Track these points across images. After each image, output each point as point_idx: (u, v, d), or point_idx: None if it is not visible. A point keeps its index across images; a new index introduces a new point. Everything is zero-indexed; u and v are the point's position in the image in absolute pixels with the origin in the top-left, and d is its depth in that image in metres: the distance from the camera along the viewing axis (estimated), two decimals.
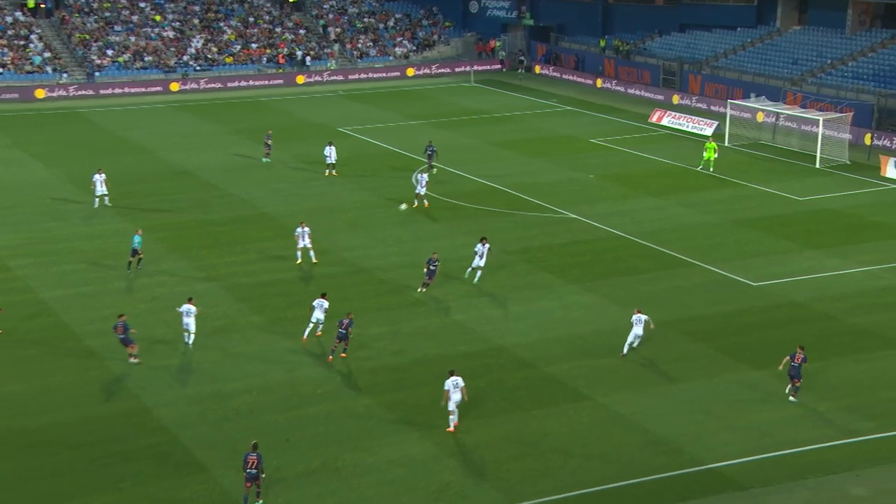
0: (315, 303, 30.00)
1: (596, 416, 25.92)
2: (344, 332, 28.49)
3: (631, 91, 70.77)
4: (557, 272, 35.47)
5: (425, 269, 32.98)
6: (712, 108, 63.42)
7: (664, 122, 60.89)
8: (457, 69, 79.79)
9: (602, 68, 75.39)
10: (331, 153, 47.60)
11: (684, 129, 59.18)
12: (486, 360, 29.03)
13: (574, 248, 38.17)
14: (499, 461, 24.03)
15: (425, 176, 43.02)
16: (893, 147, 52.82)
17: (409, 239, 39.29)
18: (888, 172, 48.07)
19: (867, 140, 53.12)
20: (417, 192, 42.36)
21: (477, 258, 33.99)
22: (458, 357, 29.02)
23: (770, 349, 29.47)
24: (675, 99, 66.50)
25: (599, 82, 73.46)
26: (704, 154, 50.16)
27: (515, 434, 25.11)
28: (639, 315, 29.13)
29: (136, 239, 34.70)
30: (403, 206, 37.73)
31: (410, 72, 78.53)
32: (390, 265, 36.28)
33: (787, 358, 26.81)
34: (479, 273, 33.95)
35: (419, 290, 33.15)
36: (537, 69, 79.67)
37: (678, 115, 60.83)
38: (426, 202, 42.78)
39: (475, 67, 78.90)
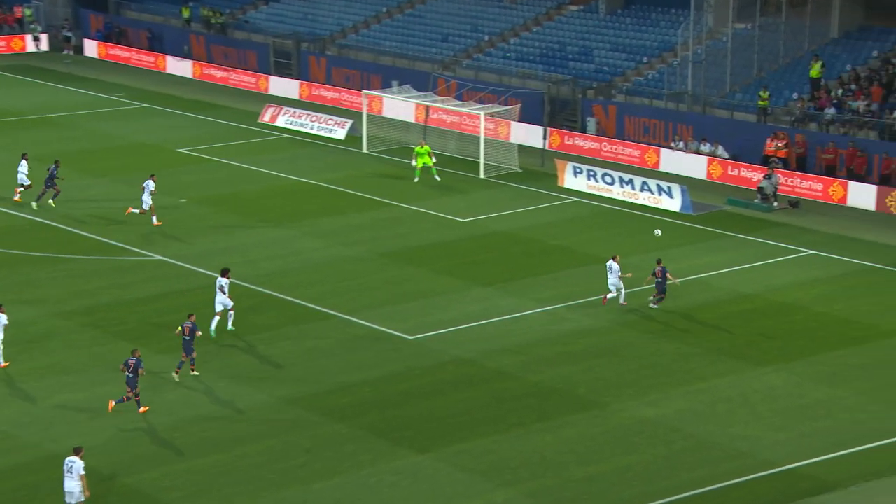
0: None
1: None
2: (132, 375, 30.35)
3: (232, 80, 71.28)
4: (137, 339, 34.84)
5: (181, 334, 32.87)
6: (344, 101, 65.48)
7: (280, 122, 61.91)
8: None
9: (189, 48, 75.37)
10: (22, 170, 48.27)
11: (308, 130, 60.50)
12: (35, 477, 27.82)
13: (163, 305, 37.72)
14: None
15: (151, 183, 45.41)
16: (571, 147, 57.50)
17: None
18: (567, 182, 52.16)
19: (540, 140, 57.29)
20: (145, 206, 45.32)
21: (220, 298, 35.18)
22: None
23: (435, 423, 30.63)
24: (295, 90, 67.93)
25: (187, 68, 73.47)
26: (415, 162, 51.59)
27: None
28: (612, 262, 37.58)
29: None
30: (658, 232, 41.82)
31: None
32: None
33: (650, 276, 37.71)
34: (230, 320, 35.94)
35: (190, 370, 32.87)
36: (96, 50, 78.21)
37: (299, 112, 62.09)
38: (141, 210, 45.35)
39: None
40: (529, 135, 57.34)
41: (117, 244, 43.40)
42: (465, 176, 53.40)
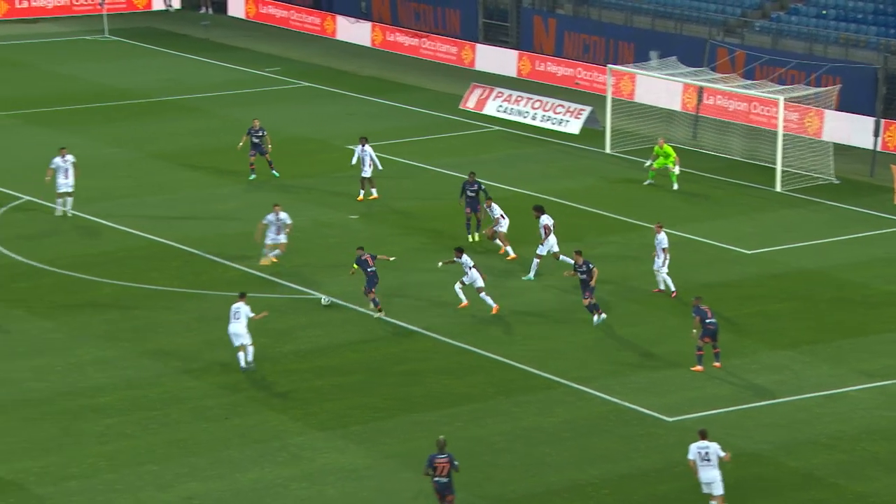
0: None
1: None
2: (713, 322, 37.81)
3: (426, 50, 72.07)
4: (289, 410, 35.48)
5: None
6: (580, 80, 65.45)
7: (490, 108, 62.14)
8: (76, 7, 79.50)
9: (367, 5, 76.44)
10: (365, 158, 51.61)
11: (529, 121, 60.66)
12: None
13: (331, 362, 38.29)
14: None
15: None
16: None
17: None
18: None
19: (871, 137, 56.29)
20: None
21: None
22: None
23: None
24: (513, 65, 68.32)
25: (365, 33, 74.57)
26: (654, 162, 52.19)
27: None
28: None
29: None
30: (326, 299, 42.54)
31: None
32: None
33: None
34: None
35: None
36: (244, 7, 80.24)
37: (516, 95, 62.21)
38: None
39: (107, 6, 78.61)
40: (853, 130, 56.47)
41: (268, 277, 44.04)
42: (755, 189, 52.80)
